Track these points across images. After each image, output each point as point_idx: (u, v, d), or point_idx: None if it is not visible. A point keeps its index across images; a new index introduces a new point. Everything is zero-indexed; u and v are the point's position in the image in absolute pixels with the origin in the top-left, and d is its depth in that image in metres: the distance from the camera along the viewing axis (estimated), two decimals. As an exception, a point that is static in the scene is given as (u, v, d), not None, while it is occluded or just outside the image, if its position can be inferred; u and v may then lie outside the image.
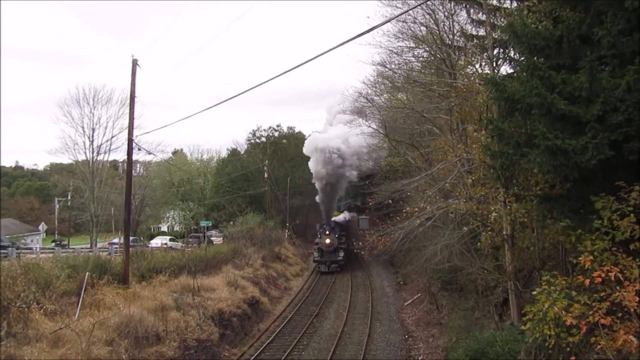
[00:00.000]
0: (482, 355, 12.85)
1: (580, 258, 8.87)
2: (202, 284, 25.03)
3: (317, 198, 50.72)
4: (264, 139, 64.83)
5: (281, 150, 62.96)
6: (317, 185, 49.80)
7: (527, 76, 10.09)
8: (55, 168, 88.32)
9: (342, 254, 41.90)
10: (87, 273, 19.33)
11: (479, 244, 15.29)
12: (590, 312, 8.31)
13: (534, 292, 9.81)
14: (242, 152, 67.12)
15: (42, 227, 52.10)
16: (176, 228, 67.78)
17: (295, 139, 65.30)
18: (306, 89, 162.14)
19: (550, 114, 9.43)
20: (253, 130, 66.64)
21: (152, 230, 67.95)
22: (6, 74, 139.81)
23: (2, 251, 28.30)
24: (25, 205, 76.43)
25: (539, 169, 10.07)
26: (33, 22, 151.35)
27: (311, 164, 50.78)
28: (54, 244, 49.62)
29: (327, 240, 41.53)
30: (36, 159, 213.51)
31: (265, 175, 51.99)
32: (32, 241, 51.30)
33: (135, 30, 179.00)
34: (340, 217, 53.61)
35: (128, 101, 23.27)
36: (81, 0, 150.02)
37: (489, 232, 14.52)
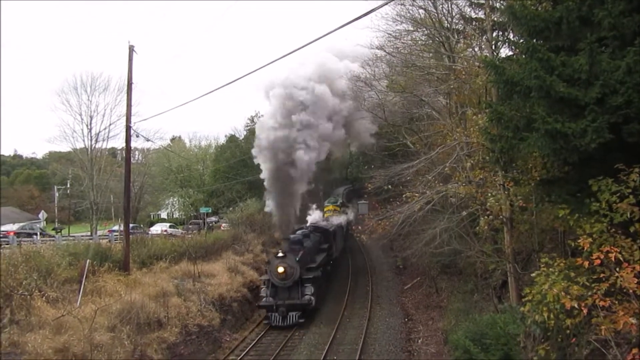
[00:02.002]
0: (482, 337, 12.97)
1: (579, 240, 8.91)
2: (202, 270, 25.16)
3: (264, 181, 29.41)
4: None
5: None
6: (262, 162, 29.46)
7: (526, 58, 10.04)
8: (54, 156, 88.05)
9: (309, 290, 23.49)
10: (88, 260, 19.42)
11: (477, 227, 15.34)
12: (590, 294, 8.36)
13: (533, 275, 9.88)
14: (241, 139, 66.96)
15: (42, 215, 52.06)
16: (176, 215, 67.90)
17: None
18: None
19: (549, 96, 9.39)
20: (251, 116, 66.39)
21: (152, 217, 68.06)
22: (5, 61, 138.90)
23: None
24: (25, 193, 76.42)
25: (538, 153, 10.06)
26: (29, 9, 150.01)
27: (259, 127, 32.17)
28: (54, 231, 49.74)
29: (280, 269, 23.11)
30: (35, 147, 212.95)
31: (264, 160, 51.81)
32: (32, 229, 51.35)
33: (133, 16, 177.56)
34: (316, 215, 37.92)
35: (125, 88, 23.22)
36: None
37: (488, 217, 14.55)
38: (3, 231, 35.71)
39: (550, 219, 11.95)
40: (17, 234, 34.95)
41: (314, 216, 37.72)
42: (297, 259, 23.61)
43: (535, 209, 12.79)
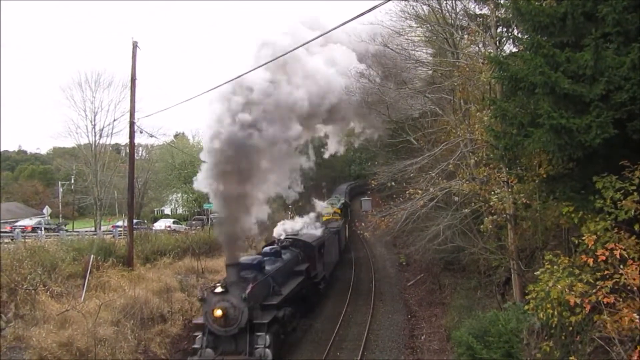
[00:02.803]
0: (485, 334, 12.94)
1: (583, 238, 8.89)
2: (206, 265, 25.26)
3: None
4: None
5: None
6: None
7: (530, 54, 10.00)
8: (58, 152, 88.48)
9: (263, 341, 15.61)
10: (92, 256, 19.50)
11: (482, 226, 15.31)
12: (594, 291, 8.35)
13: (537, 272, 9.86)
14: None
15: (47, 210, 52.44)
16: (179, 211, 68.03)
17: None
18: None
19: (554, 93, 9.35)
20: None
21: (156, 213, 68.21)
22: (9, 58, 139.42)
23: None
24: (29, 189, 76.67)
25: (542, 149, 10.03)
26: (33, 6, 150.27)
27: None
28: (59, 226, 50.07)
29: (217, 312, 15.43)
30: (39, 143, 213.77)
31: (268, 157, 51.76)
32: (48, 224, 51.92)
33: (136, 15, 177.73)
34: (299, 224, 29.28)
35: (129, 84, 23.24)
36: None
37: (492, 215, 14.51)
38: (21, 226, 36.85)
39: (554, 216, 11.92)
40: (34, 228, 35.93)
41: (298, 223, 29.17)
42: (244, 295, 15.36)
43: (539, 207, 12.76)
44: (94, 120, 44.20)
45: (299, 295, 20.70)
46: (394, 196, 20.60)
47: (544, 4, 11.14)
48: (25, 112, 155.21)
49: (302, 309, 20.81)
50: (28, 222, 41.56)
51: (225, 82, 16.43)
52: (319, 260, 24.93)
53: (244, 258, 17.99)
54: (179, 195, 65.37)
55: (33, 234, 32.77)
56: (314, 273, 23.69)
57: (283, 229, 27.30)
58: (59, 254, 19.13)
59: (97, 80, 44.40)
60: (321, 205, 38.69)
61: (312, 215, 32.41)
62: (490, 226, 14.57)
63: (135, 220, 27.10)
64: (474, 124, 16.31)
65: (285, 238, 24.73)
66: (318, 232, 28.35)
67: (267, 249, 21.95)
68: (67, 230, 39.24)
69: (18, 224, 40.35)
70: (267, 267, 18.88)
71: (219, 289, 15.58)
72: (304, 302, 21.67)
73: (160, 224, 45.43)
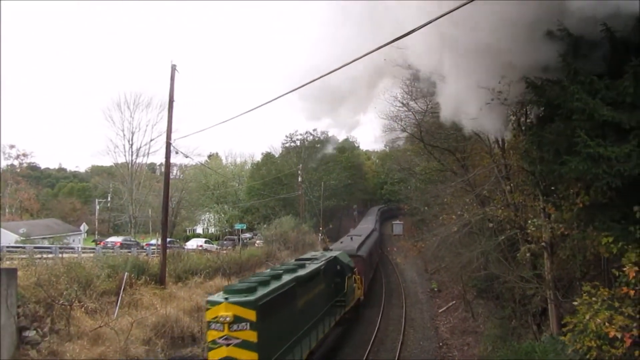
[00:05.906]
0: (520, 365, 12.58)
1: (624, 269, 8.61)
2: (236, 286, 25.28)
3: None
4: (299, 142, 65.33)
5: (315, 154, 63.20)
6: None
7: (568, 81, 9.86)
8: (96, 170, 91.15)
9: None
10: (126, 273, 19.83)
11: (518, 255, 14.95)
12: (635, 325, 8.05)
13: (575, 303, 9.57)
14: (277, 156, 67.75)
15: (84, 227, 53.96)
16: (211, 230, 68.86)
17: (329, 143, 65.58)
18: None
19: (592, 119, 9.19)
20: (290, 133, 67.16)
21: (188, 232, 69.17)
22: (52, 81, 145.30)
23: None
24: (68, 205, 78.89)
25: (579, 177, 9.80)
26: (77, 26, 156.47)
27: None
28: (94, 243, 51.23)
29: None
30: (78, 161, 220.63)
31: (299, 178, 52.23)
32: (73, 241, 53.11)
33: (175, 37, 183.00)
34: None
35: (167, 106, 23.83)
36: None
37: (529, 243, 14.18)
38: (111, 241, 40.51)
39: (593, 246, 11.58)
40: (121, 244, 37.69)
41: None
42: None
43: (577, 236, 12.42)
44: (132, 139, 45.56)
45: None
46: (427, 221, 20.39)
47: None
48: (66, 132, 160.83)
49: None
50: (115, 239, 44.82)
51: (260, 105, 16.44)
52: None
53: None
54: (211, 215, 66.28)
55: (127, 250, 32.86)
56: None
57: None
58: (94, 271, 19.48)
59: (135, 102, 45.95)
60: None
61: None
62: (528, 254, 14.20)
63: (168, 239, 27.46)
64: (509, 149, 16.10)
65: None
66: None
67: None
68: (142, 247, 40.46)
69: (109, 240, 43.98)
70: None
71: None
72: None
73: (192, 243, 46.02)
